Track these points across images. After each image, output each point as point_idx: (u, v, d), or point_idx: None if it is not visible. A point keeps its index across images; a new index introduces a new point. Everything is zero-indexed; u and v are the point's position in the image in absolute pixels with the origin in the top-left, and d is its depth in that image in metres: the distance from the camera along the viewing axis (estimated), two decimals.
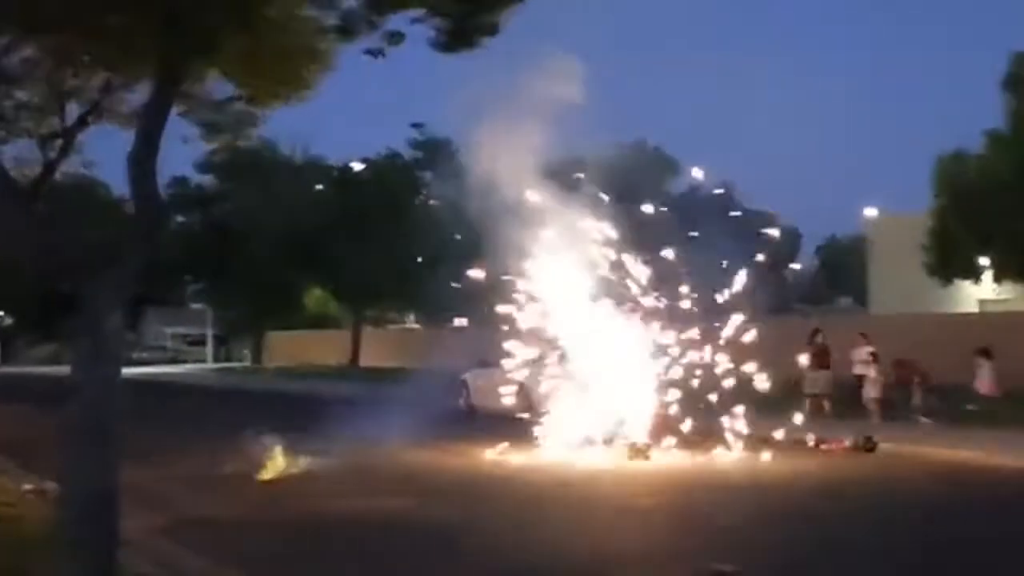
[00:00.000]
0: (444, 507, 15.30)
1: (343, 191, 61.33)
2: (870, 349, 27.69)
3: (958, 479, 18.58)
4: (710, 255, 21.76)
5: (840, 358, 28.36)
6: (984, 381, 26.75)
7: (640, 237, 21.89)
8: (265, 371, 63.66)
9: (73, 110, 12.68)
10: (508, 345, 22.55)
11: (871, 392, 26.81)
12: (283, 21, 11.28)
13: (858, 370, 27.74)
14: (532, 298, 22.04)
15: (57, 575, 8.61)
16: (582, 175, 22.33)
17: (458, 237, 23.22)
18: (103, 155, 15.69)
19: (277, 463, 18.71)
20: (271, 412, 23.69)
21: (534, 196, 21.42)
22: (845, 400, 27.77)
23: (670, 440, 20.95)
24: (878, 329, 30.82)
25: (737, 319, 21.71)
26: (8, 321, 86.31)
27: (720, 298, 21.84)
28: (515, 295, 22.11)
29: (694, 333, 21.74)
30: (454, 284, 23.80)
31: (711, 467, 19.38)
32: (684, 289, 21.81)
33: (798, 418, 22.39)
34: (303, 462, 18.85)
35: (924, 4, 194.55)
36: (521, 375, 22.79)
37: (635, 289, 21.86)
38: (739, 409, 21.18)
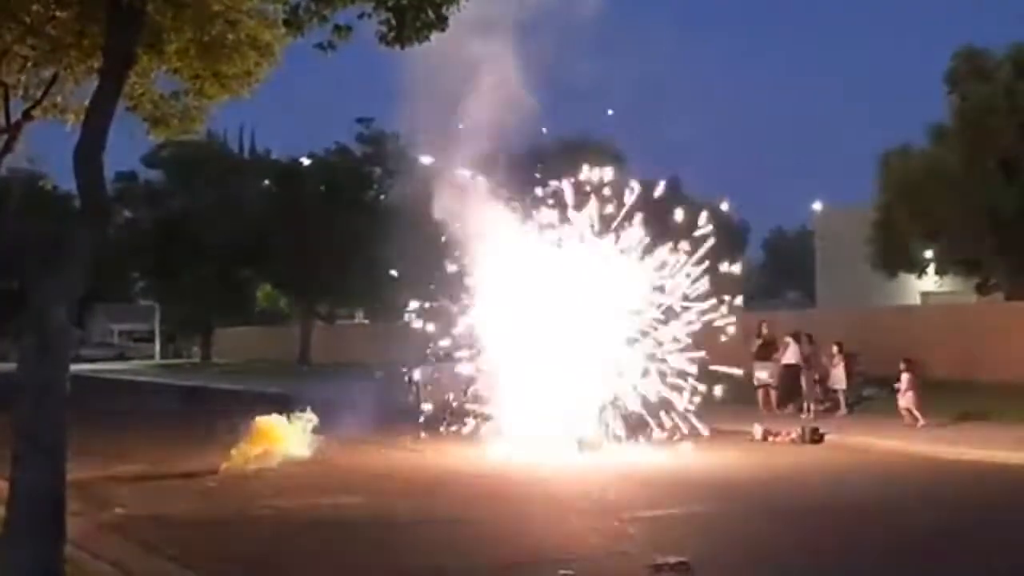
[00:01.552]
0: (389, 505, 15.27)
1: (290, 187, 61.01)
2: (805, 345, 27.87)
3: (907, 469, 18.84)
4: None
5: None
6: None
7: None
8: (214, 368, 63.25)
9: (18, 105, 12.59)
10: (454, 340, 22.53)
11: (836, 383, 27.00)
12: (230, 14, 11.26)
13: (788, 360, 27.93)
14: (476, 292, 22.05)
15: (3, 571, 8.54)
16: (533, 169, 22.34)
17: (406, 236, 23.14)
18: (49, 150, 15.60)
19: (229, 461, 18.69)
20: (220, 410, 23.58)
21: (478, 188, 21.52)
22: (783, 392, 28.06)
23: (621, 433, 21.00)
24: (821, 323, 31.11)
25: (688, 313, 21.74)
26: None
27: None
28: (460, 289, 22.11)
29: (647, 321, 21.75)
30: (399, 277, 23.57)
31: (662, 460, 19.45)
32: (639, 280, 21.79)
33: (747, 410, 22.58)
34: (254, 460, 18.85)
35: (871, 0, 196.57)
36: (469, 370, 22.71)
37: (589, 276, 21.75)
38: (687, 401, 21.28)
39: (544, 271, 21.74)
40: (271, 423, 19.93)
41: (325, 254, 55.50)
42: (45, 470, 8.66)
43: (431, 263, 22.34)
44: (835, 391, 27.00)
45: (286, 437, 19.84)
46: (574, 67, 23.11)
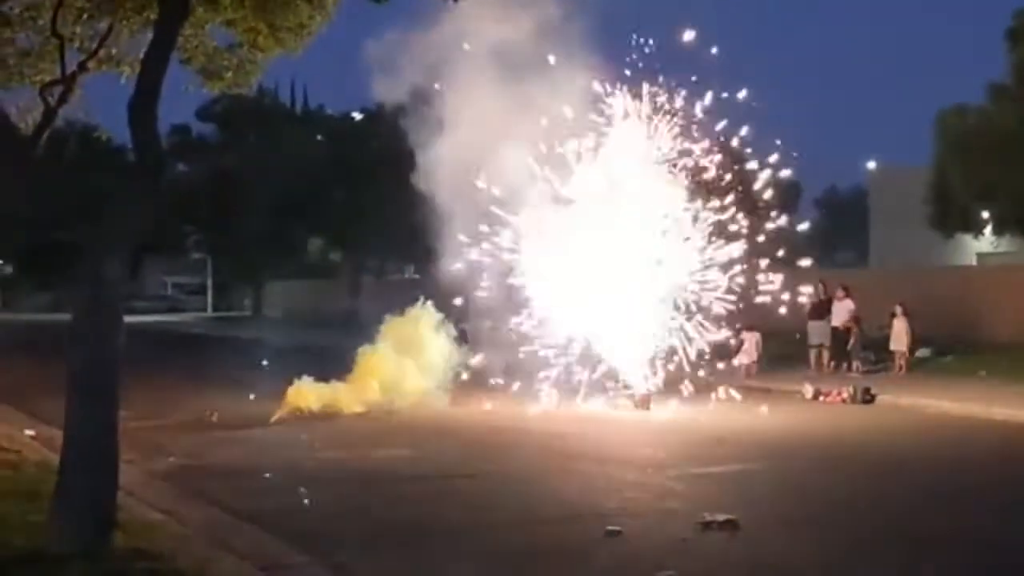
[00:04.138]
0: (437, 459, 15.35)
1: (343, 141, 61.04)
2: (852, 306, 27.62)
3: (958, 430, 18.70)
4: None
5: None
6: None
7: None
8: (265, 320, 63.63)
9: (74, 56, 12.63)
10: (503, 294, 22.42)
11: (897, 344, 26.80)
12: None
13: (837, 322, 27.71)
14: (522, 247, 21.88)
15: (55, 519, 8.66)
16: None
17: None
18: (105, 102, 15.68)
19: (281, 410, 18.90)
20: (274, 361, 23.79)
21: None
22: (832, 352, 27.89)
23: (671, 390, 20.92)
24: (874, 283, 30.79)
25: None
26: (8, 269, 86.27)
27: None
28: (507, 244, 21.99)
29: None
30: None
31: (711, 418, 19.41)
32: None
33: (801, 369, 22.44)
34: (312, 409, 19.12)
35: None
36: (521, 324, 22.59)
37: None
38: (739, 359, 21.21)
39: (591, 213, 21.43)
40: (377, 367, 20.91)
41: (376, 209, 55.48)
42: (98, 419, 8.74)
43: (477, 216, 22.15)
44: (893, 351, 26.84)
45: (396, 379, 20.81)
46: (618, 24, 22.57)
